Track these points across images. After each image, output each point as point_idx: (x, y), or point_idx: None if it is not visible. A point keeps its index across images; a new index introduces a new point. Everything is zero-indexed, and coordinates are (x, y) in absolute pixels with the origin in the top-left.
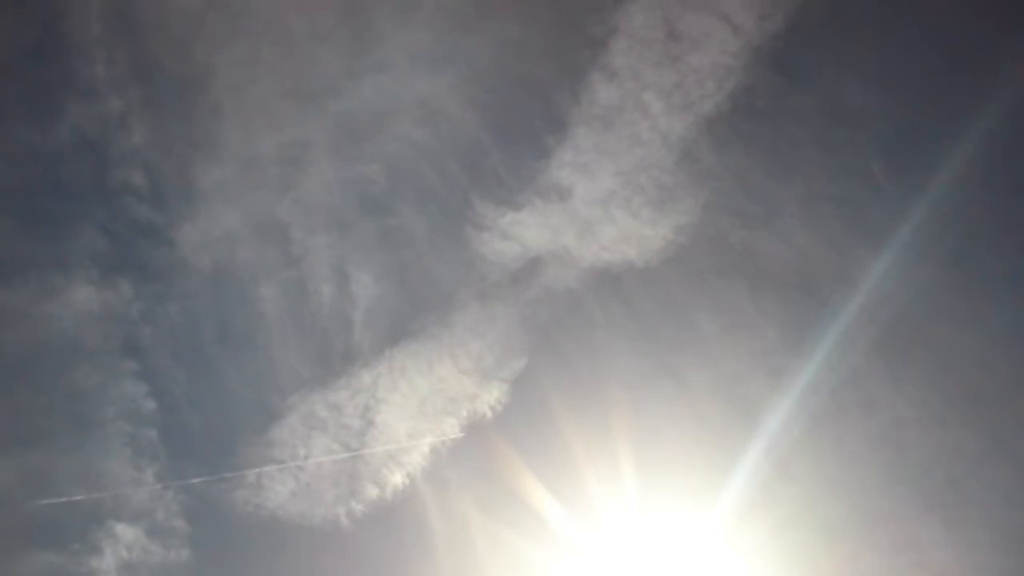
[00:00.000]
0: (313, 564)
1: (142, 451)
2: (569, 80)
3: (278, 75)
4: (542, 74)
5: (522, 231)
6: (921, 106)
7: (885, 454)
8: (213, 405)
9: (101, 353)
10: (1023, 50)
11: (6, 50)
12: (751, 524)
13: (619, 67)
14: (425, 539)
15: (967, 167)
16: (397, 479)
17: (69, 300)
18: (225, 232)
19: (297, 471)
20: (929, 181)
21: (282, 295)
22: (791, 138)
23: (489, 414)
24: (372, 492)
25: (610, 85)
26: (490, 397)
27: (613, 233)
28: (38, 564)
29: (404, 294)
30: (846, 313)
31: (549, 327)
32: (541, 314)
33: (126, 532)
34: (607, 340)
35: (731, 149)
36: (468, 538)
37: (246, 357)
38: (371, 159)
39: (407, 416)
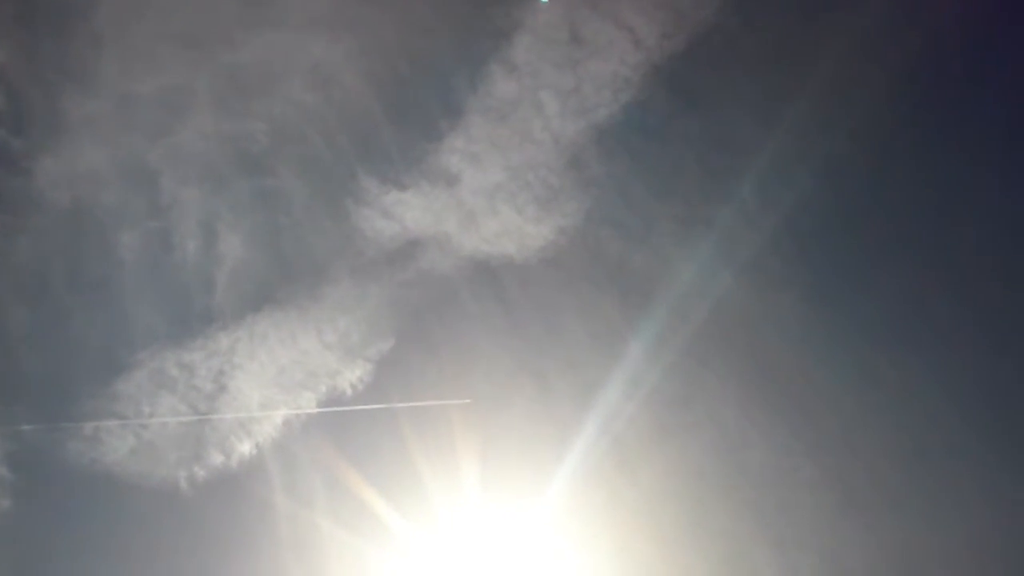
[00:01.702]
0: (146, 526)
1: None
2: (469, 68)
3: (168, 14)
4: (443, 58)
5: (404, 212)
6: (797, 141)
7: (726, 471)
8: (55, 350)
9: None
10: (898, 87)
11: None
12: (590, 523)
13: (520, 62)
14: (265, 513)
15: (830, 205)
16: (244, 448)
17: None
18: (90, 170)
19: (139, 429)
20: (796, 215)
21: (143, 244)
22: (675, 158)
23: (349, 392)
24: (216, 459)
25: (509, 79)
26: (352, 375)
27: (495, 226)
28: None
29: (274, 260)
30: (706, 334)
31: (420, 311)
32: (414, 297)
33: None
34: (475, 332)
35: (618, 160)
36: (309, 517)
37: (96, 304)
38: (256, 116)
39: (262, 385)
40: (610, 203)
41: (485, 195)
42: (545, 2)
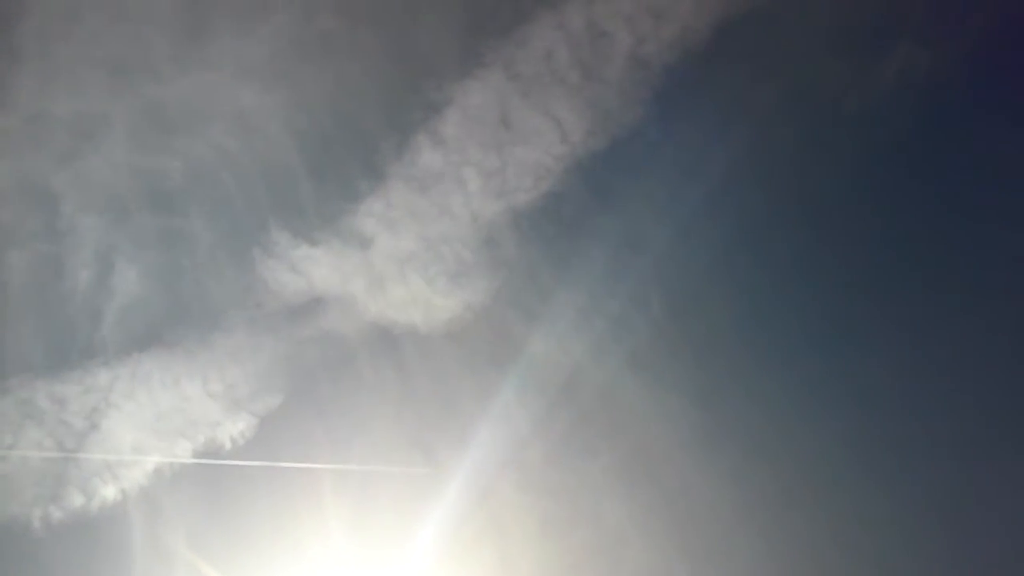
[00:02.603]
0: None
1: None
2: (396, 134)
3: (98, 39)
4: (370, 121)
5: (312, 268)
6: (705, 249)
7: (600, 566)
8: None
9: None
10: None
11: None
12: None
13: (447, 137)
14: (120, 562)
15: (723, 312)
16: (108, 492)
17: None
18: None
19: None
20: (693, 320)
21: (32, 267)
22: (585, 252)
23: (228, 446)
24: (76, 500)
25: (435, 151)
26: (234, 428)
27: (403, 294)
28: None
29: (169, 300)
30: (594, 426)
31: (314, 371)
32: (310, 356)
33: None
34: (367, 399)
35: (531, 246)
36: (165, 571)
37: None
38: (172, 154)
39: (137, 428)
40: (519, 285)
41: (396, 262)
42: (478, 83)
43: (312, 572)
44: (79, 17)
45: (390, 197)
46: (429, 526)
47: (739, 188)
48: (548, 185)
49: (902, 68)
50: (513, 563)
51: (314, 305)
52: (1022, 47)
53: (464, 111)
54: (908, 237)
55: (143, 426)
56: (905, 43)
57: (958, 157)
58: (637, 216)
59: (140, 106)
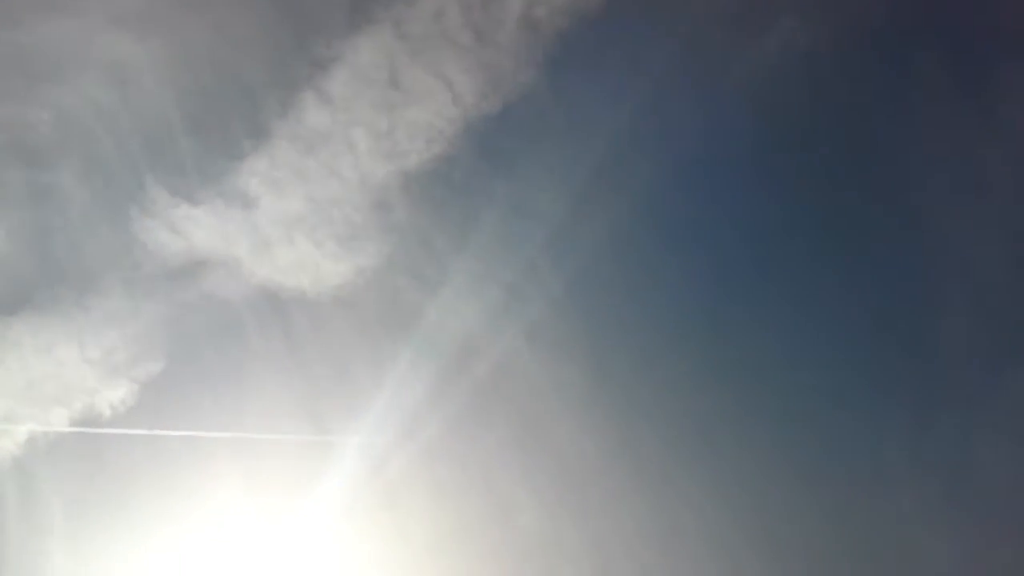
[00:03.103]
0: None
1: None
2: (281, 91)
3: None
4: (254, 76)
5: (193, 228)
6: (600, 214)
7: (493, 531)
8: None
9: None
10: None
11: None
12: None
13: (335, 95)
14: None
15: (618, 274)
16: None
17: None
18: None
19: None
20: (584, 286)
21: None
22: (478, 217)
23: (107, 414)
24: None
25: (322, 110)
26: (113, 395)
27: (290, 257)
28: None
29: (40, 261)
30: (486, 392)
31: (197, 336)
32: (192, 321)
33: None
34: (254, 365)
35: (424, 210)
36: (39, 543)
37: None
38: (40, 104)
39: (8, 395)
40: (410, 250)
41: (283, 224)
42: (368, 40)
43: (196, 545)
44: None
45: (275, 156)
46: (319, 496)
47: (634, 153)
48: (440, 148)
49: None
50: (406, 532)
51: (196, 267)
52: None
53: (352, 69)
54: (789, 208)
55: (15, 394)
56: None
57: (837, 134)
58: (531, 181)
59: (4, 53)
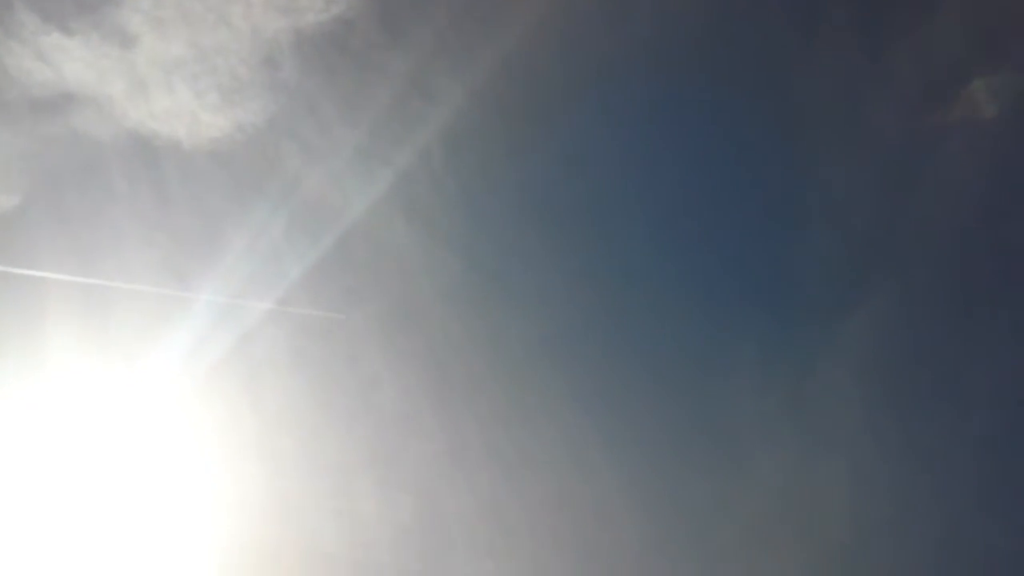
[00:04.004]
0: None
1: None
2: None
3: None
4: None
5: (64, 60)
6: (495, 100)
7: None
8: None
9: None
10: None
11: None
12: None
13: None
14: None
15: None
16: None
17: None
18: None
19: None
20: (480, 174)
21: None
22: (370, 90)
23: None
24: None
25: None
26: None
27: (168, 104)
28: None
29: None
30: (366, 273)
31: (59, 174)
32: (55, 157)
33: None
34: (116, 210)
35: (314, 73)
36: None
37: None
38: None
39: None
40: (295, 114)
41: (163, 67)
42: None
43: (43, 391)
44: None
45: None
46: (173, 349)
47: (537, 32)
48: (339, 10)
49: None
50: (256, 393)
51: (63, 102)
52: None
53: None
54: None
55: None
56: None
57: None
58: (428, 60)
59: None
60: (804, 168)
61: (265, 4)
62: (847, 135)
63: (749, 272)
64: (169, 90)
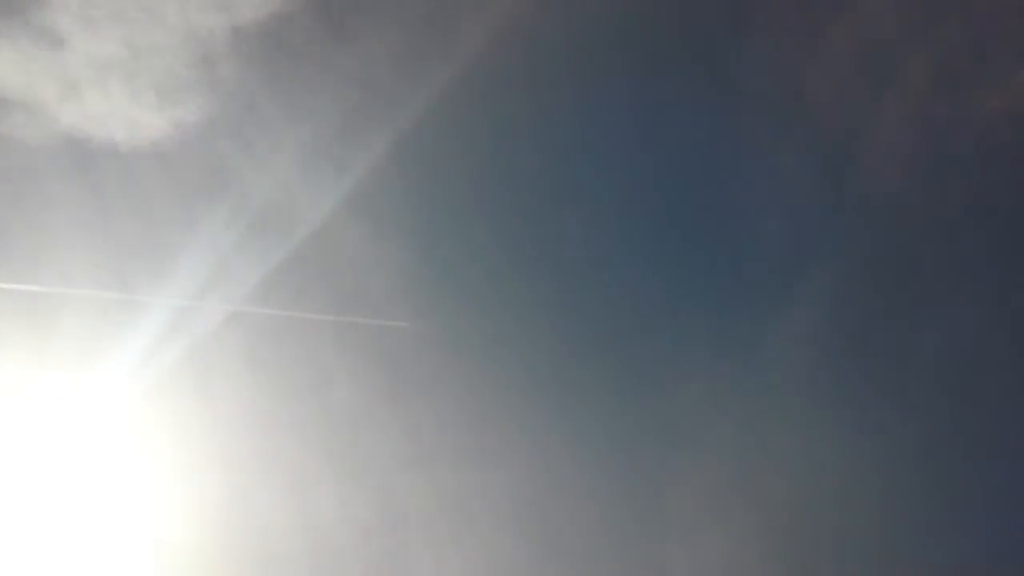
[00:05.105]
0: None
1: None
2: None
3: None
4: None
5: None
6: (442, 98)
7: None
8: None
9: None
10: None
11: None
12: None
13: None
14: None
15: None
16: None
17: None
18: None
19: None
20: (418, 170)
21: None
22: (311, 86)
23: None
24: None
25: None
26: None
27: (102, 105)
28: None
29: None
30: (307, 269)
31: None
32: None
33: None
34: (53, 215)
35: (253, 71)
36: None
37: None
38: None
39: None
40: (235, 113)
41: (96, 68)
42: None
43: None
44: None
45: None
46: (117, 354)
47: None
48: (277, 6)
49: None
50: (210, 394)
51: None
52: None
53: None
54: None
55: None
56: None
57: None
58: (369, 55)
59: None
60: (751, 151)
61: (200, 1)
62: (792, 118)
63: (700, 252)
64: (103, 91)
